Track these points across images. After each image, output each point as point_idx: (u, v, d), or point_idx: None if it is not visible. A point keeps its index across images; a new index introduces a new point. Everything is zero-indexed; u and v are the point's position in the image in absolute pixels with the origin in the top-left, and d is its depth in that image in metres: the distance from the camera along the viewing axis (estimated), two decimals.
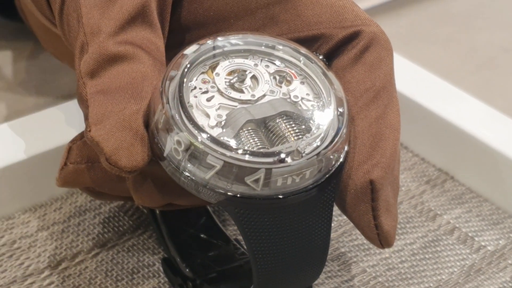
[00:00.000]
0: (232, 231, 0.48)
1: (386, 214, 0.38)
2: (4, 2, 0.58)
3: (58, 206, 0.48)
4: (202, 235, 0.46)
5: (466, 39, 0.68)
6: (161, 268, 0.45)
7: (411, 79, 0.55)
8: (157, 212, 0.46)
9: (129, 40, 0.37)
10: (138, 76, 0.37)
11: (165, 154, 0.35)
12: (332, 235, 0.48)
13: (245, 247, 0.45)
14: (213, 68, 0.38)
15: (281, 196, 0.35)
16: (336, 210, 0.49)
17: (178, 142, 0.35)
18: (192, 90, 0.36)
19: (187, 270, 0.44)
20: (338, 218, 0.49)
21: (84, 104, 0.37)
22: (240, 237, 0.47)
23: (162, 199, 0.39)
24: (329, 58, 0.40)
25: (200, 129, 0.35)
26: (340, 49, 0.40)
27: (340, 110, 0.37)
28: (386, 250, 0.47)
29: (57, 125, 0.49)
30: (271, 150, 0.35)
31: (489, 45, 0.67)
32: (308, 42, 0.40)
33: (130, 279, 0.45)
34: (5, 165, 0.47)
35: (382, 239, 0.38)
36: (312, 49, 0.40)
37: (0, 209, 0.47)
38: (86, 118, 0.37)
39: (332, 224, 0.49)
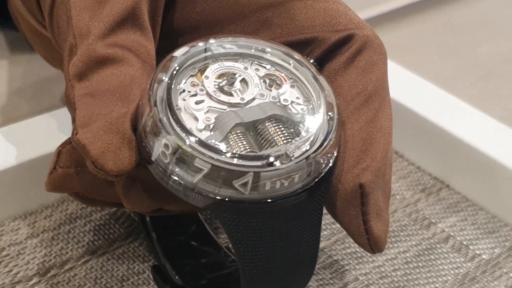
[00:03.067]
0: (224, 239, 0.47)
1: (376, 219, 0.37)
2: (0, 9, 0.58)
3: (48, 213, 0.48)
4: (192, 243, 0.45)
5: (467, 49, 0.67)
6: (151, 276, 0.45)
7: (407, 87, 0.55)
8: (147, 219, 0.46)
9: (118, 42, 0.37)
10: (126, 79, 0.36)
11: (152, 158, 0.35)
12: (325, 243, 0.48)
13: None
14: (202, 71, 0.37)
15: (270, 200, 0.35)
16: (329, 218, 0.48)
17: (166, 146, 0.34)
18: (180, 93, 0.36)
19: (177, 277, 0.43)
20: (332, 226, 0.49)
21: (72, 106, 0.37)
22: (230, 245, 0.46)
23: (151, 204, 0.38)
24: (322, 62, 0.40)
25: (188, 132, 0.34)
26: (333, 52, 0.39)
27: (330, 114, 0.37)
28: (379, 258, 0.47)
29: (48, 131, 0.49)
30: (259, 153, 0.35)
31: (490, 55, 0.67)
32: (301, 45, 0.39)
33: (119, 287, 0.44)
34: None
35: (372, 244, 0.38)
36: (305, 53, 0.39)
37: None
38: (74, 121, 0.37)
39: (325, 232, 0.48)
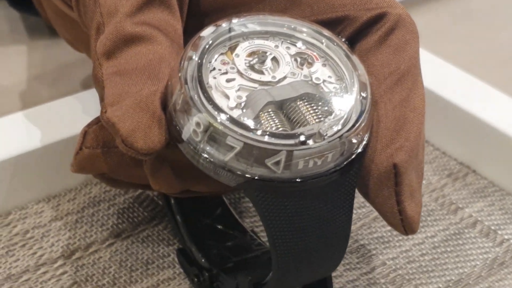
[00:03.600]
0: (249, 223, 0.47)
1: (410, 199, 0.37)
2: None
3: (72, 196, 0.48)
4: (218, 226, 0.45)
5: (487, 36, 0.67)
6: (176, 259, 0.44)
7: (432, 71, 0.54)
8: (173, 202, 0.45)
9: (146, 21, 0.36)
10: (155, 58, 0.36)
11: (183, 137, 0.34)
12: (351, 227, 0.47)
13: (262, 238, 0.44)
14: (232, 49, 0.37)
15: (302, 180, 0.34)
16: (355, 203, 0.48)
17: (197, 124, 0.34)
18: (211, 71, 0.36)
19: (203, 260, 0.43)
20: (357, 211, 0.48)
21: (99, 85, 0.36)
22: (257, 229, 0.46)
23: (179, 184, 0.38)
24: (353, 41, 0.39)
25: (220, 110, 0.34)
26: (364, 31, 0.39)
27: (363, 94, 0.36)
28: (406, 243, 0.46)
29: (72, 114, 0.48)
30: (292, 132, 0.34)
31: (511, 41, 0.66)
32: (332, 24, 0.39)
33: (144, 270, 0.44)
34: (18, 154, 0.46)
35: (405, 225, 0.37)
36: (335, 32, 0.39)
37: (13, 199, 0.47)
38: (102, 99, 0.36)
39: None
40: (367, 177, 0.37)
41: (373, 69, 0.38)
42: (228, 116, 0.34)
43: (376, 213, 0.47)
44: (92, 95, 0.50)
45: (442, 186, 0.50)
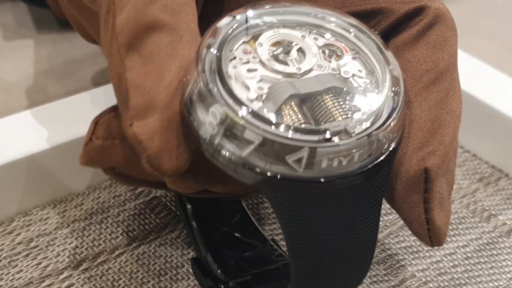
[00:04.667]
0: (269, 230, 0.44)
1: (439, 208, 0.34)
2: None
3: (79, 202, 0.45)
4: (236, 234, 0.42)
5: None
6: (190, 270, 0.42)
7: (461, 68, 0.51)
8: (188, 206, 0.42)
9: (168, 6, 0.34)
10: (183, 58, 0.33)
11: (200, 130, 0.32)
12: (378, 236, 0.44)
13: (282, 248, 0.42)
14: (256, 37, 0.34)
15: (325, 180, 0.32)
16: (382, 209, 0.45)
17: (214, 115, 0.31)
18: (231, 60, 0.33)
19: (219, 271, 0.40)
20: (384, 218, 0.45)
21: (121, 86, 0.33)
22: (277, 237, 0.43)
23: (196, 184, 0.35)
24: (389, 35, 0.36)
25: (239, 101, 0.31)
26: (401, 26, 0.36)
27: (396, 89, 0.33)
28: (437, 253, 0.43)
29: (81, 113, 0.45)
30: (316, 127, 0.32)
31: None
32: (365, 17, 0.36)
33: (156, 282, 0.41)
34: (21, 157, 0.43)
35: (432, 235, 0.34)
36: (370, 25, 0.36)
37: (16, 204, 0.44)
38: (122, 98, 0.33)
39: None
40: (395, 180, 0.34)
41: (409, 66, 0.35)
42: (247, 108, 0.31)
43: None
44: (102, 92, 0.47)
45: (473, 191, 0.47)
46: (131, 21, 0.33)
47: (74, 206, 0.45)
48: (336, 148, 0.31)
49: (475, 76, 0.51)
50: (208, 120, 0.31)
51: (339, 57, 0.34)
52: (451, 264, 0.43)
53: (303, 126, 0.31)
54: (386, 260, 0.43)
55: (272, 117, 0.31)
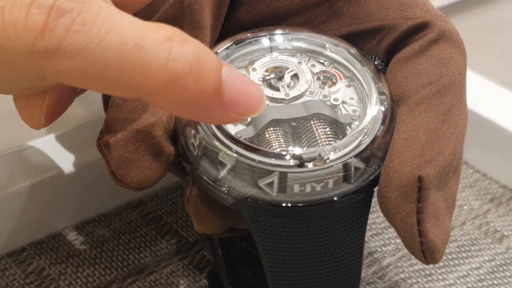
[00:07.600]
0: None
1: (433, 221, 0.33)
2: None
3: (90, 229, 0.45)
4: (253, 252, 0.42)
5: None
6: None
7: (470, 87, 0.51)
8: None
9: None
10: None
11: (188, 152, 0.34)
12: (389, 259, 0.44)
13: None
14: (252, 63, 0.36)
15: (300, 205, 0.32)
16: (393, 232, 0.44)
17: (194, 137, 0.33)
18: None
19: (229, 287, 0.40)
20: (396, 240, 0.45)
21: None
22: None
23: (224, 223, 0.36)
24: (393, 51, 0.37)
25: (217, 125, 0.33)
26: (405, 40, 0.36)
27: (381, 117, 0.34)
28: (450, 276, 0.43)
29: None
30: (290, 152, 0.32)
31: None
32: (371, 34, 0.37)
33: None
34: (31, 183, 0.43)
35: (425, 249, 0.33)
36: (375, 42, 0.37)
37: (26, 233, 0.44)
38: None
39: (389, 247, 0.44)
40: (388, 188, 0.33)
41: (411, 77, 0.35)
42: (223, 131, 0.32)
43: None
44: None
45: (485, 212, 0.47)
46: None
47: (85, 234, 0.44)
48: (307, 174, 0.32)
49: (484, 95, 0.51)
50: (190, 141, 0.33)
51: (333, 83, 0.35)
52: (465, 286, 0.42)
53: (277, 150, 0.32)
54: (399, 284, 0.43)
55: (248, 140, 0.32)
